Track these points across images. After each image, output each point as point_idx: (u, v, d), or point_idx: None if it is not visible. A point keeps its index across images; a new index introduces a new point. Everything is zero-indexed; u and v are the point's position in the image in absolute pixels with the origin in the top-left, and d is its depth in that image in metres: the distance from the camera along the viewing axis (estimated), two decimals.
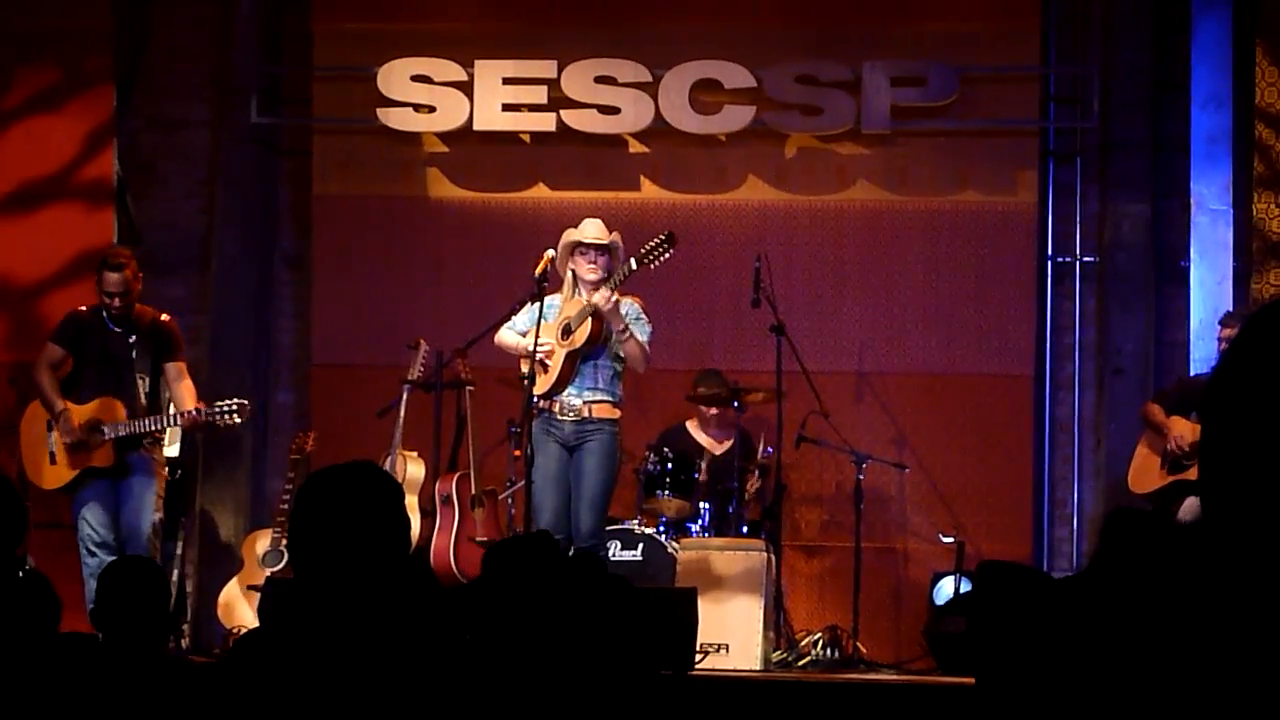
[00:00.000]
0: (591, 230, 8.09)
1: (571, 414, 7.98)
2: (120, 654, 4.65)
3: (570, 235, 8.12)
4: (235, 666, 3.40)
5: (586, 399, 8.00)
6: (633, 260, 7.98)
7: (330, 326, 10.49)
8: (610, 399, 8.04)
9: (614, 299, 7.89)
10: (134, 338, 8.40)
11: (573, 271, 8.10)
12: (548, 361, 8.01)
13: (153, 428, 8.34)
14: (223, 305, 10.34)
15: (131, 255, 8.73)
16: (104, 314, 8.46)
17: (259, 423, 10.40)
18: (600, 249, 8.04)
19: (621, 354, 8.04)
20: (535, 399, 8.00)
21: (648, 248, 8.00)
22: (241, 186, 10.48)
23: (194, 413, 8.27)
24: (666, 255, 8.04)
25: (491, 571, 3.94)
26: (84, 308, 8.60)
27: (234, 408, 8.27)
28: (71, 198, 10.28)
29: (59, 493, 8.52)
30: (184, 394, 8.38)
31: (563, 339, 8.01)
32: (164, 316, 8.57)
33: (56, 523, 8.91)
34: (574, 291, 8.09)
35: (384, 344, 10.07)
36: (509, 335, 8.23)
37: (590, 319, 7.94)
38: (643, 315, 8.08)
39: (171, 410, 8.43)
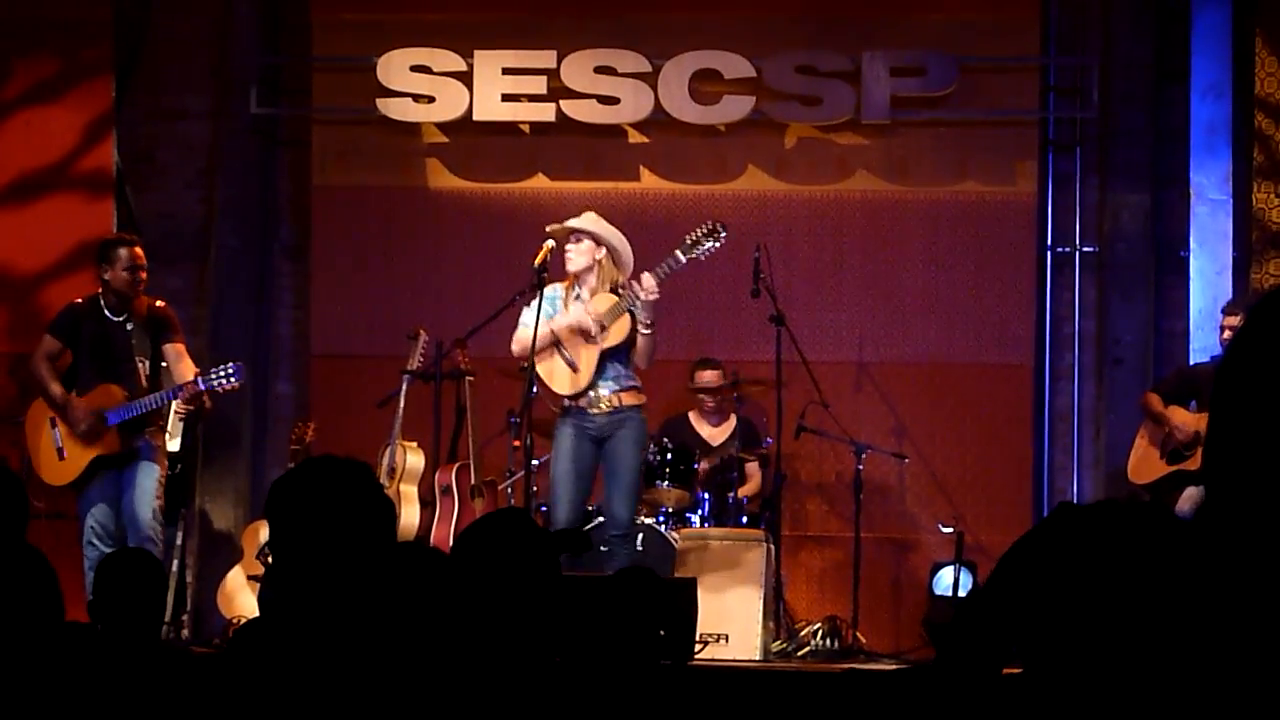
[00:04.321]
0: (573, 221, 8.09)
1: (604, 405, 7.98)
2: (119, 645, 4.65)
3: (550, 228, 8.13)
4: (236, 656, 3.40)
5: (615, 388, 8.00)
6: (679, 252, 7.96)
7: (330, 317, 10.50)
8: (636, 385, 8.07)
9: (656, 292, 7.86)
10: (131, 325, 8.39)
11: (582, 269, 8.07)
12: (578, 364, 7.98)
13: (153, 406, 8.31)
14: (222, 296, 10.34)
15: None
16: (101, 303, 8.43)
17: (258, 413, 10.40)
18: (575, 237, 8.02)
19: (636, 345, 8.02)
20: (562, 397, 7.99)
21: (693, 238, 7.98)
22: (241, 177, 10.48)
23: (192, 383, 8.23)
24: (715, 246, 8.01)
25: (464, 551, 3.92)
26: (80, 299, 8.58)
27: (230, 371, 8.24)
28: (71, 188, 10.28)
29: (69, 488, 8.49)
30: (185, 372, 8.36)
31: (595, 337, 7.98)
32: (159, 302, 8.56)
33: (59, 513, 8.91)
34: (576, 285, 8.06)
35: (383, 334, 10.07)
36: (522, 332, 8.12)
37: (626, 316, 7.93)
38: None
39: (166, 390, 8.37)
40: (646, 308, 7.89)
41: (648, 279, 7.86)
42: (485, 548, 3.75)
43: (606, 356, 7.99)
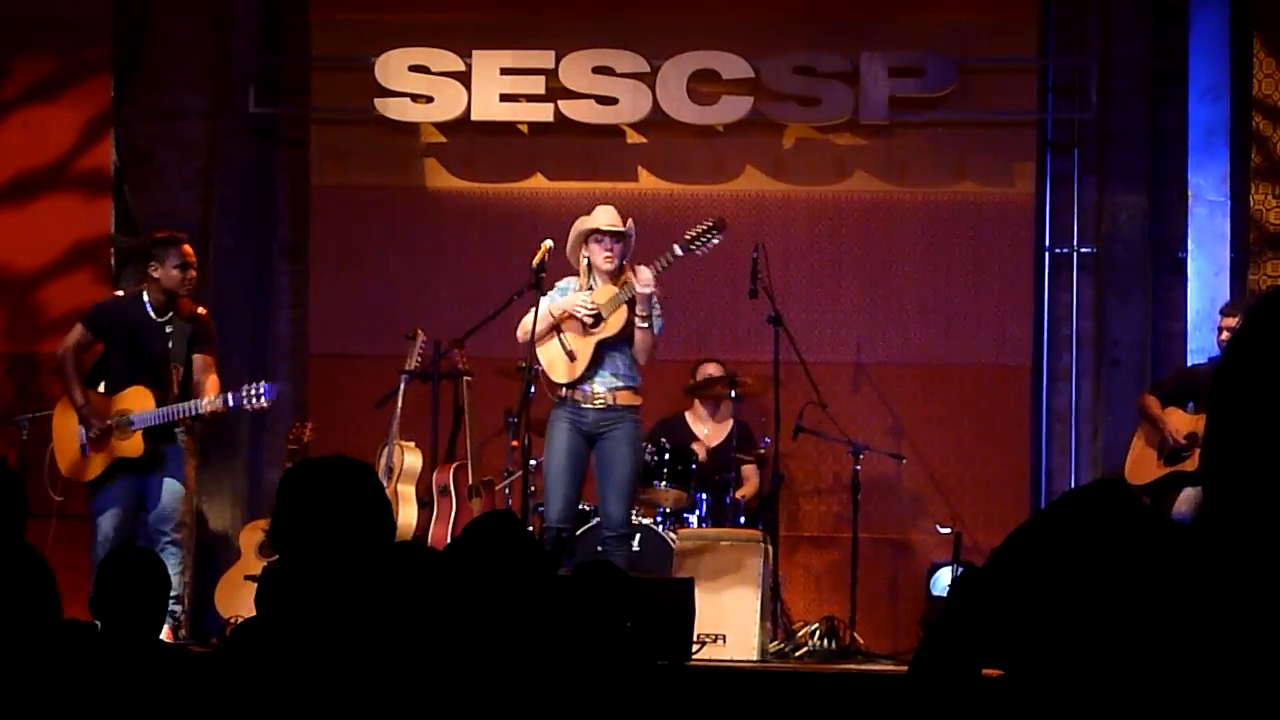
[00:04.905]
0: (605, 217, 8.06)
1: (597, 401, 7.98)
2: (119, 643, 4.65)
3: (584, 223, 8.08)
4: (233, 656, 3.40)
5: (610, 385, 7.99)
6: (677, 246, 7.97)
7: (328, 316, 10.49)
8: (633, 385, 8.05)
9: (653, 285, 7.85)
10: (171, 328, 8.35)
11: (588, 260, 8.07)
12: (576, 353, 7.97)
13: (179, 416, 8.26)
14: (220, 295, 10.32)
15: None
16: (145, 300, 8.39)
17: (256, 413, 10.39)
18: (616, 236, 8.01)
19: (634, 340, 8.01)
20: (559, 386, 7.99)
21: (694, 233, 7.98)
22: (239, 176, 10.48)
23: (220, 399, 8.19)
24: (715, 241, 8.02)
25: (455, 554, 3.93)
26: (122, 293, 8.56)
27: (260, 391, 8.20)
28: (69, 187, 10.27)
29: (85, 485, 8.44)
30: (210, 387, 8.33)
31: (592, 327, 7.98)
32: (201, 310, 8.54)
33: (62, 513, 8.90)
34: (591, 280, 8.07)
35: (381, 334, 10.07)
36: (529, 318, 8.08)
37: (624, 307, 7.93)
38: (658, 306, 8.07)
39: (194, 401, 8.31)
40: (643, 301, 7.88)
41: (644, 272, 7.86)
42: (475, 551, 3.75)
43: (604, 350, 7.98)
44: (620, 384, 8.01)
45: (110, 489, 8.32)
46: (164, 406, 8.25)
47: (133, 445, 8.27)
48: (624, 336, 7.98)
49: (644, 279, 7.84)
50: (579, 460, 7.99)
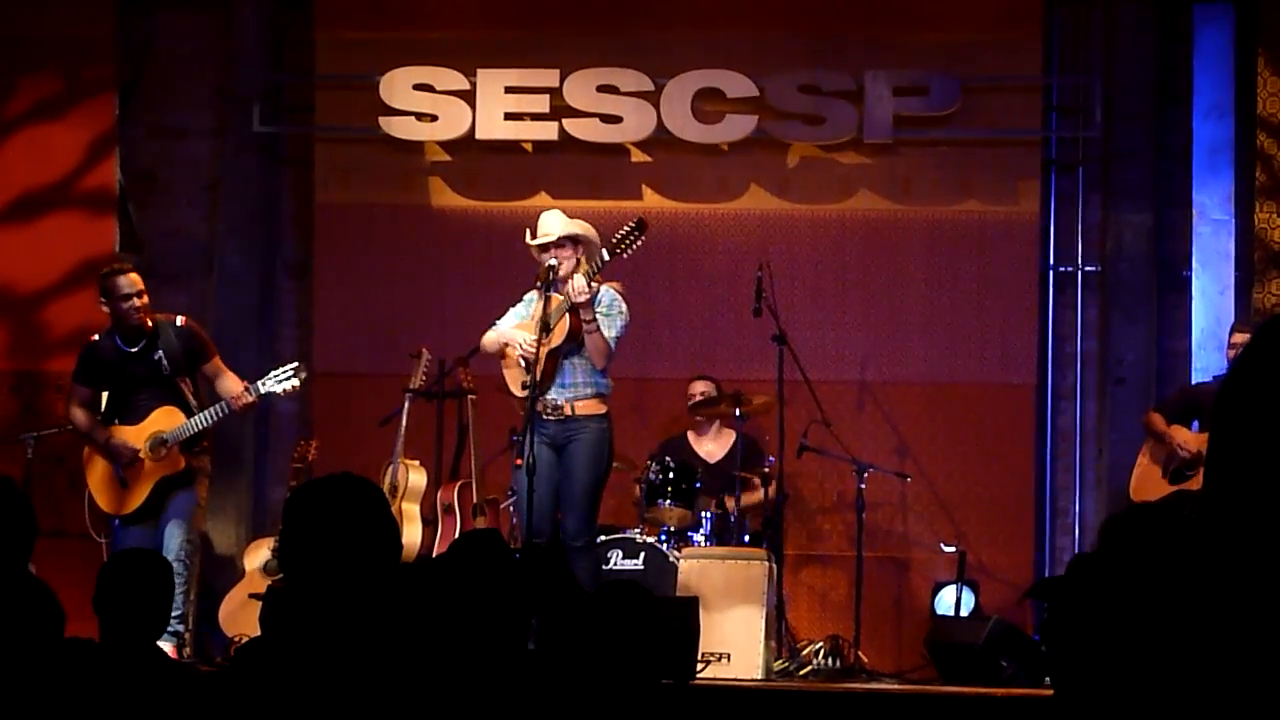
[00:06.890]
0: (546, 225, 7.98)
1: (556, 413, 7.90)
2: (118, 654, 4.63)
3: (528, 236, 8.04)
4: (237, 675, 3.40)
5: (569, 396, 7.91)
6: (604, 251, 7.90)
7: (332, 335, 10.50)
8: (594, 393, 7.93)
9: (587, 291, 7.81)
10: (159, 352, 8.29)
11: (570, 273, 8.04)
12: (529, 360, 7.89)
13: (210, 421, 8.21)
14: (225, 313, 10.34)
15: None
16: (116, 337, 8.33)
17: (261, 431, 10.40)
18: (560, 242, 7.93)
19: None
20: (519, 401, 7.94)
21: (618, 236, 7.88)
22: (244, 195, 10.49)
23: (245, 392, 8.14)
24: (638, 242, 7.92)
25: (439, 574, 3.92)
26: (96, 336, 8.47)
27: (290, 371, 8.15)
28: (73, 206, 10.28)
29: (140, 512, 8.34)
30: (230, 384, 8.30)
31: (542, 336, 7.92)
32: (180, 320, 8.48)
33: (60, 530, 8.89)
34: (549, 288, 8.02)
35: (386, 353, 10.07)
36: (489, 334, 8.13)
37: (568, 314, 7.86)
38: (617, 300, 7.95)
39: (223, 401, 8.24)
40: (584, 306, 7.81)
41: (577, 280, 7.78)
42: (458, 570, 3.75)
43: (559, 359, 7.92)
44: (578, 393, 7.93)
45: (144, 509, 8.30)
46: (194, 416, 8.24)
47: (173, 461, 8.25)
48: (577, 344, 7.92)
49: (577, 287, 7.76)
50: (549, 473, 7.89)
